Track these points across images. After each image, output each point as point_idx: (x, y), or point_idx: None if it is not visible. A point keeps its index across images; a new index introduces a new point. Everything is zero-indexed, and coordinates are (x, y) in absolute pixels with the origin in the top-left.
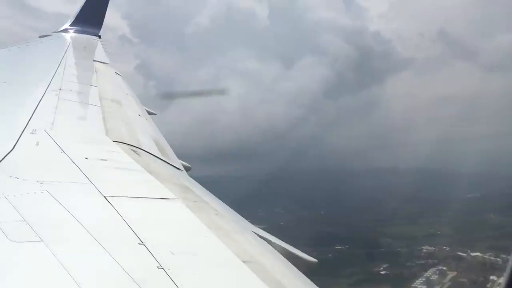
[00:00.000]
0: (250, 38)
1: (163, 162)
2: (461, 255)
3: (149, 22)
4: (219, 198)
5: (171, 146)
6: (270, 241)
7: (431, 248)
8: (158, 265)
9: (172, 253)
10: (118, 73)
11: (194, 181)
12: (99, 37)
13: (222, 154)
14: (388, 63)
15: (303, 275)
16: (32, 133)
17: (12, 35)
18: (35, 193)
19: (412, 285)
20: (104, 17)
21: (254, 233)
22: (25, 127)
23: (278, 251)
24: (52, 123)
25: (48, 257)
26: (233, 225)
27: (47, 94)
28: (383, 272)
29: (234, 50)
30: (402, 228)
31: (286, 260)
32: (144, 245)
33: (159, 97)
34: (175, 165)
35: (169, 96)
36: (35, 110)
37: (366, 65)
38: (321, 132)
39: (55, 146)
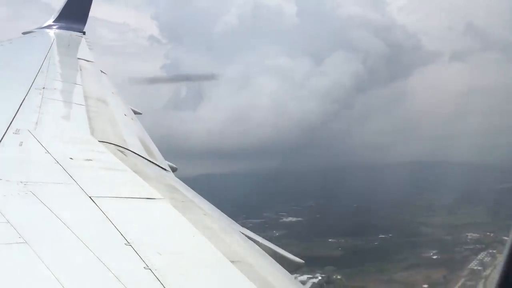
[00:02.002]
0: (279, 36)
1: (150, 163)
2: (506, 239)
3: (178, 22)
4: (252, 192)
5: (197, 144)
6: (258, 241)
7: (475, 235)
8: (145, 265)
9: (159, 254)
10: (104, 71)
11: (181, 182)
12: (84, 33)
13: (254, 151)
14: (415, 56)
15: (290, 275)
16: (16, 133)
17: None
18: (18, 194)
19: (468, 266)
20: (88, 13)
21: (242, 233)
22: (8, 127)
23: (265, 252)
24: (36, 123)
25: (33, 259)
26: (221, 225)
27: (31, 93)
28: (434, 257)
29: (263, 48)
30: (440, 218)
31: (274, 260)
32: (130, 245)
33: (137, 83)
34: (161, 166)
35: (151, 81)
36: (18, 110)
37: (395, 59)
38: (351, 127)
39: (39, 146)
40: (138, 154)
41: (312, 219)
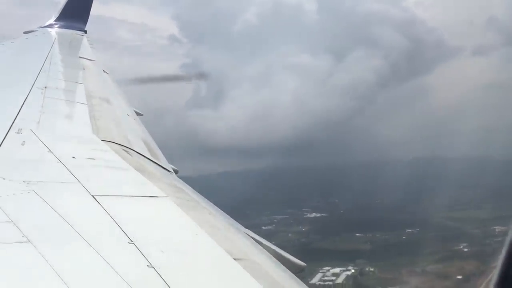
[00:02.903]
0: (300, 34)
1: (153, 163)
2: None
3: (198, 22)
4: (273, 189)
5: (216, 142)
6: (261, 242)
7: (503, 227)
8: (148, 264)
9: (163, 252)
10: (106, 71)
11: (184, 183)
12: (85, 32)
13: (276, 148)
14: (437, 51)
15: (294, 275)
16: (18, 133)
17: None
18: (21, 193)
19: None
20: (89, 12)
21: (246, 234)
22: (11, 126)
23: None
24: (38, 122)
25: (36, 258)
26: (225, 224)
27: (33, 92)
28: (465, 250)
29: (284, 46)
30: (466, 213)
31: (277, 260)
32: (134, 244)
33: (130, 83)
34: (164, 167)
35: (142, 81)
36: (20, 109)
37: (417, 54)
38: (373, 123)
39: (41, 145)
40: (141, 154)
41: (337, 215)
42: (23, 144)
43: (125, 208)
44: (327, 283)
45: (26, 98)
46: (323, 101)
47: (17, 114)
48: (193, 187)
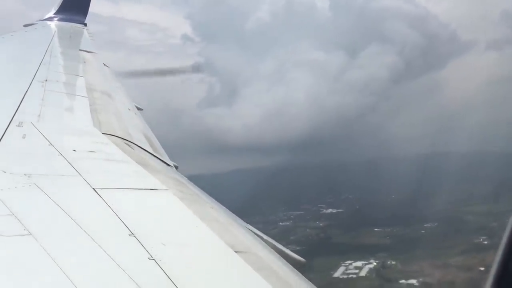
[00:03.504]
0: (313, 31)
1: (155, 157)
2: None
3: (210, 21)
4: (288, 185)
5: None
6: (262, 237)
7: None
8: (149, 256)
9: (163, 244)
10: (106, 64)
11: (185, 177)
12: (85, 25)
13: (288, 146)
14: (451, 46)
15: (294, 269)
16: (19, 126)
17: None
18: (23, 186)
19: None
20: (89, 4)
21: (247, 228)
22: (11, 120)
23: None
24: (39, 116)
25: (38, 251)
26: (226, 217)
27: (33, 85)
28: (485, 242)
29: (297, 43)
30: (484, 207)
31: (279, 255)
32: (134, 236)
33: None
34: (165, 161)
35: (133, 74)
36: (21, 102)
37: (430, 49)
38: (387, 119)
39: (42, 138)
40: (142, 148)
41: (353, 210)
42: (24, 137)
43: (126, 201)
44: (350, 276)
45: (27, 91)
46: (336, 98)
47: (18, 107)
48: (206, 185)
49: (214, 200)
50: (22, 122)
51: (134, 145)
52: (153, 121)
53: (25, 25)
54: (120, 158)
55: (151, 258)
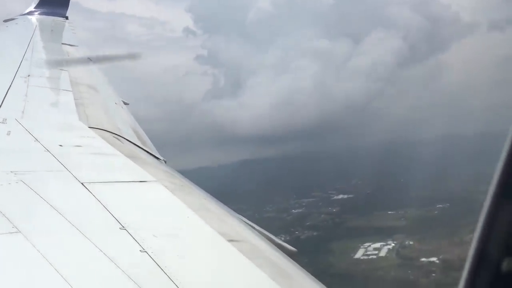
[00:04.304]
0: (315, 19)
1: (144, 151)
2: None
3: (212, 13)
4: (296, 173)
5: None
6: (254, 228)
7: None
8: (141, 248)
9: (155, 236)
10: (91, 58)
11: (175, 170)
12: (66, 18)
13: (297, 134)
14: (454, 28)
15: (287, 257)
16: (3, 123)
17: None
18: (9, 184)
19: None
20: None
21: (239, 218)
22: None
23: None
24: (23, 111)
25: (28, 249)
26: (217, 207)
27: (16, 81)
28: None
29: (300, 32)
30: None
31: (271, 243)
32: (125, 229)
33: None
34: (154, 154)
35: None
36: (4, 99)
37: (434, 32)
38: (393, 104)
39: (27, 134)
40: (130, 141)
41: (364, 195)
42: (8, 134)
43: (116, 194)
44: (371, 257)
45: (9, 87)
46: (343, 85)
47: (1, 104)
48: (214, 177)
49: (204, 190)
50: (6, 119)
51: (123, 139)
52: (155, 115)
53: (5, 20)
54: (108, 152)
55: (143, 250)
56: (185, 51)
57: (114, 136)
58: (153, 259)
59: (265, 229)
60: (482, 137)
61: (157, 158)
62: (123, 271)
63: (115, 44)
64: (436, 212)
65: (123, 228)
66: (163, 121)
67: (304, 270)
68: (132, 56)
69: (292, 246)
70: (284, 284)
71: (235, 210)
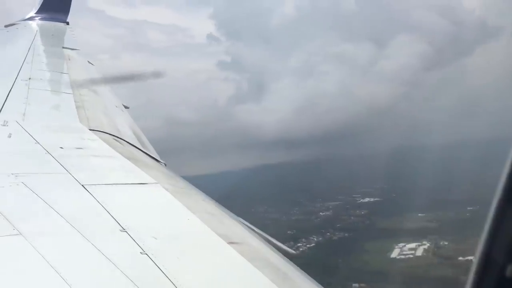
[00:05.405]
0: (339, 23)
1: (144, 154)
2: None
3: (235, 19)
4: (319, 177)
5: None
6: (254, 230)
7: None
8: (141, 250)
9: (155, 238)
10: (91, 62)
11: (176, 173)
12: (67, 23)
13: (318, 139)
14: (479, 32)
15: (287, 259)
16: (4, 125)
17: None
18: (10, 186)
19: None
20: (70, 3)
21: (239, 220)
22: None
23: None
24: (24, 114)
25: (29, 251)
26: (217, 209)
27: (17, 84)
28: None
29: (324, 36)
30: None
31: (271, 246)
32: (126, 231)
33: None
34: (155, 157)
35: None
36: (5, 102)
37: (458, 36)
38: (418, 107)
39: (28, 137)
40: (130, 143)
41: (390, 199)
42: (9, 137)
43: (116, 196)
44: (407, 256)
45: (11, 90)
46: (367, 89)
47: (2, 107)
48: (236, 181)
49: (204, 193)
50: (7, 121)
51: (123, 141)
52: (177, 120)
53: (6, 26)
54: (108, 154)
55: (144, 252)
56: (210, 57)
57: (114, 138)
58: (153, 261)
59: (296, 232)
60: (509, 141)
61: (157, 160)
62: (123, 273)
63: (135, 50)
64: (468, 214)
65: (123, 230)
66: (183, 127)
67: (304, 273)
68: (156, 75)
69: (326, 247)
70: (284, 287)
71: (262, 213)
